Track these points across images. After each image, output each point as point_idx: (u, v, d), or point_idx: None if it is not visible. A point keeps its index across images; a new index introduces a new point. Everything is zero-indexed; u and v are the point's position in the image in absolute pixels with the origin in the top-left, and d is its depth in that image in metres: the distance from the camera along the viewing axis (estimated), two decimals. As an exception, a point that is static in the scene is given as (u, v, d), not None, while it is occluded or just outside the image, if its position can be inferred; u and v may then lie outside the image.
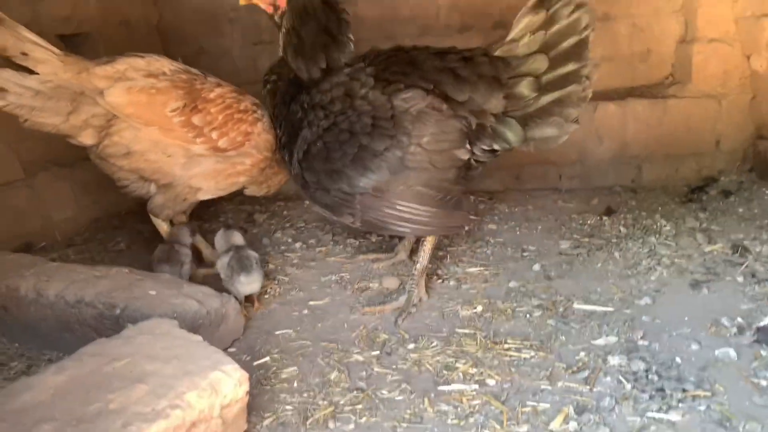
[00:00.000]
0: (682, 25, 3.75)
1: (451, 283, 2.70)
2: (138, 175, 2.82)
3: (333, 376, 2.07)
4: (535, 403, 1.84)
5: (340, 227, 3.39)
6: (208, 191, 2.91)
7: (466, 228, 2.82)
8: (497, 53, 2.34)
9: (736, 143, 3.66)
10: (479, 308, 2.44)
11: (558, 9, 2.20)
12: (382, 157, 2.29)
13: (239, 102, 2.84)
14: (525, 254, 2.92)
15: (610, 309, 2.35)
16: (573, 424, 1.73)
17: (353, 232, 3.31)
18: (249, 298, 2.61)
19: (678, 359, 1.98)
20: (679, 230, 2.96)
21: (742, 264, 2.55)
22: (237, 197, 3.72)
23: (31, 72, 2.45)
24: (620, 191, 3.67)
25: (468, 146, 2.34)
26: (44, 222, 3.40)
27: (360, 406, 1.90)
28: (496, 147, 2.38)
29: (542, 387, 1.92)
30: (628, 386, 1.87)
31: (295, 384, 2.06)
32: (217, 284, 2.52)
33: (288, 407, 1.93)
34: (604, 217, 3.23)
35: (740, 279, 2.45)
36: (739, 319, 2.16)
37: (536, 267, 2.76)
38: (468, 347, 2.17)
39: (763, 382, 1.84)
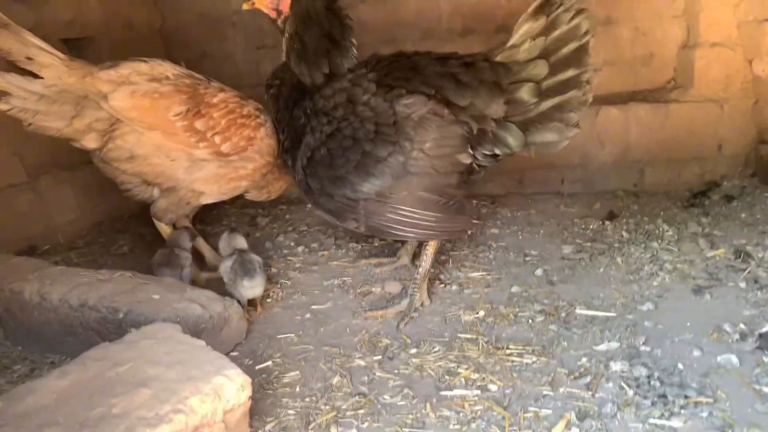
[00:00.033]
0: (684, 30, 3.75)
1: (454, 287, 2.71)
2: (141, 179, 2.83)
3: (335, 380, 2.08)
4: (537, 409, 1.84)
5: (342, 231, 3.40)
6: (210, 195, 2.92)
7: (469, 232, 2.83)
8: (498, 59, 2.35)
9: (739, 148, 3.66)
10: (481, 313, 2.44)
11: (558, 15, 2.21)
12: (385, 162, 2.30)
13: (242, 107, 2.85)
14: (527, 259, 2.93)
15: (613, 314, 2.35)
16: (575, 431, 1.73)
17: (355, 236, 3.31)
18: (252, 302, 2.61)
19: (680, 365, 1.98)
20: (682, 235, 2.96)
21: (744, 270, 2.54)
22: (239, 200, 3.72)
23: (35, 76, 2.47)
24: (622, 196, 3.67)
25: (470, 151, 2.36)
26: (47, 225, 3.41)
27: (362, 411, 1.90)
28: (497, 152, 2.39)
29: (544, 393, 1.92)
30: (630, 392, 1.86)
31: (298, 388, 2.06)
32: (220, 288, 2.53)
33: (290, 412, 1.93)
34: (607, 222, 3.23)
35: (743, 285, 2.45)
36: (742, 326, 2.16)
37: (538, 272, 2.77)
38: (470, 352, 2.17)
39: (766, 389, 1.83)
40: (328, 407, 1.94)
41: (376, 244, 3.26)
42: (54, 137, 2.64)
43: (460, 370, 2.07)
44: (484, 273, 2.81)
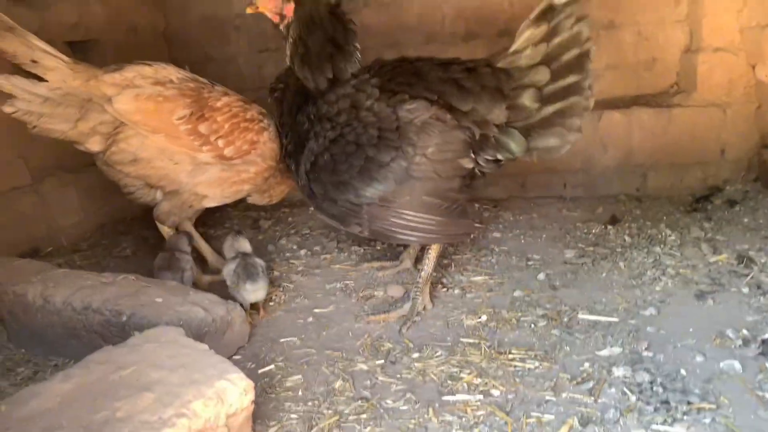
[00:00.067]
0: (687, 34, 3.75)
1: (456, 291, 2.71)
2: (144, 182, 2.84)
3: (337, 384, 2.08)
4: (539, 414, 1.84)
5: (344, 234, 3.40)
6: (213, 198, 2.93)
7: (471, 236, 2.82)
8: (500, 64, 2.36)
9: (741, 152, 3.66)
10: (484, 317, 2.44)
11: (560, 22, 2.22)
12: (388, 167, 2.30)
13: (246, 111, 2.86)
14: (530, 263, 2.93)
15: (615, 319, 2.34)
16: (577, 436, 1.73)
17: (358, 240, 3.32)
18: (254, 306, 2.62)
19: (683, 371, 1.98)
20: (684, 240, 2.95)
21: (747, 275, 2.54)
22: (242, 203, 3.73)
23: (40, 79, 2.48)
24: (625, 200, 3.66)
25: (472, 156, 2.37)
26: (50, 227, 3.43)
27: (364, 416, 1.90)
28: (499, 157, 2.39)
29: (547, 398, 1.92)
30: (633, 398, 1.86)
31: (300, 392, 2.06)
32: (223, 291, 2.54)
33: (293, 416, 1.94)
34: (609, 226, 3.23)
35: (745, 290, 2.45)
36: (745, 331, 2.15)
37: (541, 276, 2.77)
38: (472, 357, 2.17)
39: (768, 395, 1.83)
40: (330, 411, 1.94)
41: (379, 248, 3.26)
42: (58, 140, 2.65)
43: (462, 374, 2.07)
44: (486, 277, 2.81)
